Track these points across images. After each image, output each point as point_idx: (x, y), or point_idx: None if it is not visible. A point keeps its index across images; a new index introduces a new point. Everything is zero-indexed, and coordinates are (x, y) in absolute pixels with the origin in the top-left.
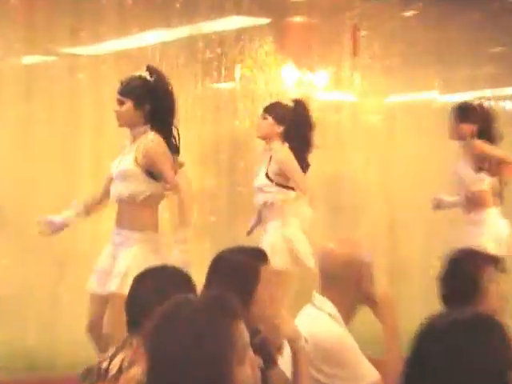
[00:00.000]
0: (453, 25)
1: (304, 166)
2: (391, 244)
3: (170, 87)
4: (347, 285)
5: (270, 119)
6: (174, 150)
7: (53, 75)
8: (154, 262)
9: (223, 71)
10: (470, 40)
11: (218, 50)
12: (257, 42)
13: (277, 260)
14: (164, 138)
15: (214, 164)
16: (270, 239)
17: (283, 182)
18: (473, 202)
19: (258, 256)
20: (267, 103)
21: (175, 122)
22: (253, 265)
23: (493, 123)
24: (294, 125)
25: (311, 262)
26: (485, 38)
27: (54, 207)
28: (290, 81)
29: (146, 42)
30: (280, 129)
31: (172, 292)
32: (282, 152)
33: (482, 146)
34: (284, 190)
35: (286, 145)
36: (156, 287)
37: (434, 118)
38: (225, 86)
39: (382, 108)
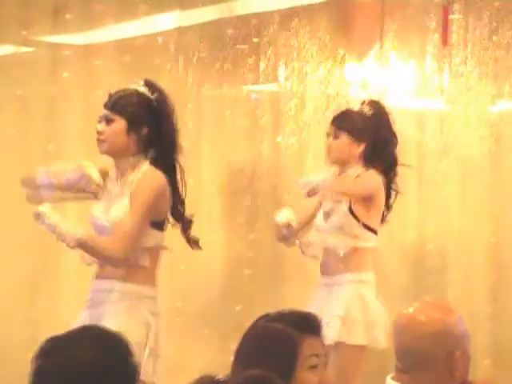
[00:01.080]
0: None
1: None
2: (495, 311)
3: (174, 110)
4: (435, 368)
5: (344, 137)
6: (178, 199)
7: (28, 71)
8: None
9: (261, 66)
10: None
11: (255, 39)
12: (307, 28)
13: (352, 332)
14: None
15: (244, 199)
16: (344, 301)
17: (368, 221)
18: None
19: (302, 324)
20: (334, 113)
21: (179, 156)
22: (290, 336)
23: None
24: (378, 140)
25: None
26: None
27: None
28: (352, 80)
29: (155, 28)
30: (360, 148)
31: None
32: (371, 180)
33: None
34: (369, 233)
35: (373, 171)
36: None
37: None
38: (263, 87)
39: (483, 119)
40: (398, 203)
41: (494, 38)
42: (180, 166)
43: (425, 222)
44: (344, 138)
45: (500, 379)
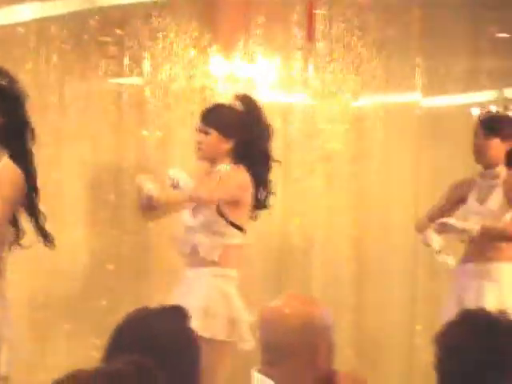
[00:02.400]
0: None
1: (266, 193)
2: (358, 302)
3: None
4: (299, 360)
5: (213, 132)
6: (32, 191)
7: None
8: None
9: (125, 59)
10: (468, 22)
11: (119, 32)
12: (172, 21)
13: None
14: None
15: (108, 194)
16: (203, 294)
17: (235, 219)
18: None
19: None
20: (203, 108)
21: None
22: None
23: None
24: (249, 136)
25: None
26: (488, 19)
27: None
28: (219, 74)
29: (14, 18)
30: (229, 144)
31: None
32: (236, 180)
33: None
34: (235, 230)
35: (241, 167)
36: None
37: (418, 127)
38: (127, 80)
39: (346, 114)
40: None
41: (359, 33)
42: (31, 156)
43: (289, 216)
44: (213, 135)
45: (362, 369)
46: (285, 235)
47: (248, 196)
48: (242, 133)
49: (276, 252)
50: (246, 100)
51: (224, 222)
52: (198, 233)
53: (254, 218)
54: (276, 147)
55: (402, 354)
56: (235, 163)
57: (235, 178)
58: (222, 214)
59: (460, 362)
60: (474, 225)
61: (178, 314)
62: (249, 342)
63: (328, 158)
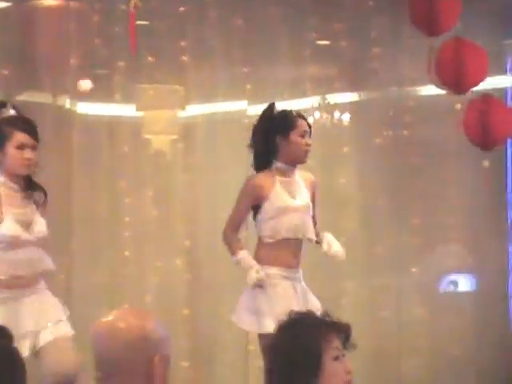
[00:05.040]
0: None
1: None
2: (191, 313)
3: None
4: (135, 374)
5: None
6: None
7: None
8: None
9: None
10: (289, 30)
11: None
12: None
13: None
14: None
15: None
16: None
17: None
18: None
19: None
20: None
21: None
22: None
23: None
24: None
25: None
26: (308, 27)
27: None
28: None
29: None
30: None
31: None
32: None
33: None
34: None
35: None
36: None
37: (246, 135)
38: None
39: (174, 124)
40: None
41: (183, 43)
42: None
43: (122, 227)
44: None
45: (197, 380)
46: (115, 247)
47: None
48: None
49: (109, 264)
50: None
51: None
52: None
53: None
54: (105, 158)
55: (237, 361)
56: None
57: None
58: None
59: (270, 361)
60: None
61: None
62: None
63: (157, 167)
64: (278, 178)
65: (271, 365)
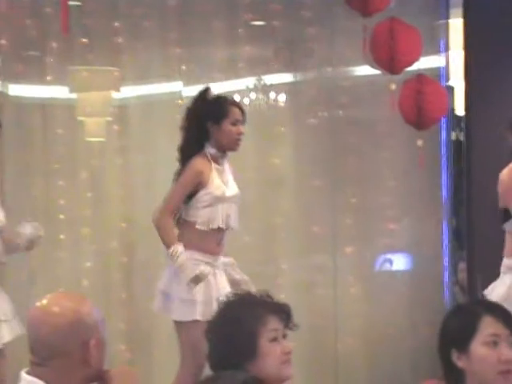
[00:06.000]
0: None
1: None
2: (128, 296)
3: None
4: (68, 359)
5: None
6: None
7: None
8: None
9: None
10: (224, 11)
11: None
12: None
13: None
14: None
15: None
16: None
17: None
18: None
19: None
20: None
21: None
22: None
23: None
24: None
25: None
26: (244, 7)
27: None
28: None
29: None
30: None
31: None
32: None
33: None
34: None
35: None
36: None
37: (180, 117)
38: None
39: (108, 106)
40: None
41: (116, 24)
42: None
43: (55, 211)
44: None
45: (135, 362)
46: (50, 230)
47: None
48: None
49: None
50: None
51: None
52: None
53: None
54: (38, 141)
55: (174, 344)
56: None
57: None
58: None
59: (208, 341)
60: None
61: None
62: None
63: (91, 150)
64: (213, 165)
65: (210, 344)
